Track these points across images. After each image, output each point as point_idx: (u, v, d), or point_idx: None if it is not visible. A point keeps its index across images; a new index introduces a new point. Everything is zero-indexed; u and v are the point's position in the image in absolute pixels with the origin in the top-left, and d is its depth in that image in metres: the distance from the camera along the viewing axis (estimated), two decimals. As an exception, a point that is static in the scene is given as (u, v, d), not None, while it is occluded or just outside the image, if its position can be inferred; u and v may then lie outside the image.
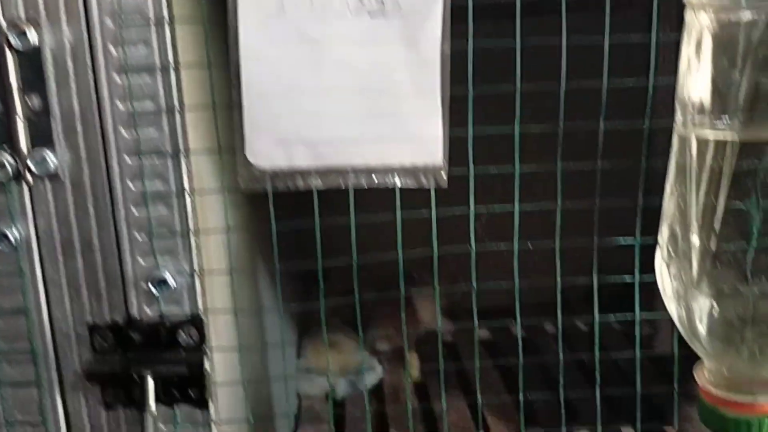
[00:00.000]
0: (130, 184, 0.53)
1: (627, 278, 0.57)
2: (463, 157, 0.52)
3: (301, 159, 0.50)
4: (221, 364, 0.58)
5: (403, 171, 0.51)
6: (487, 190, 0.54)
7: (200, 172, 0.54)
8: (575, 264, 0.55)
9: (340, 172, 0.51)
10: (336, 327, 1.57)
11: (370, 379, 1.51)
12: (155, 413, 0.55)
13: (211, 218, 0.56)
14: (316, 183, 0.51)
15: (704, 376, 0.51)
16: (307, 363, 1.47)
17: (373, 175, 0.51)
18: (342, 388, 1.47)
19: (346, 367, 1.48)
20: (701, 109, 0.46)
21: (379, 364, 1.53)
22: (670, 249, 0.49)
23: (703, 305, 0.48)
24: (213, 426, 0.57)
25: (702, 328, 0.48)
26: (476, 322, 0.60)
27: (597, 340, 0.59)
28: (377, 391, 1.51)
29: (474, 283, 0.56)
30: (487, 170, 0.52)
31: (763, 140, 0.44)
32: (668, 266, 0.49)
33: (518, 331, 0.71)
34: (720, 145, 0.45)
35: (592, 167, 0.53)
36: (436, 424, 1.33)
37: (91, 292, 0.55)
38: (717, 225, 0.46)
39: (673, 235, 0.49)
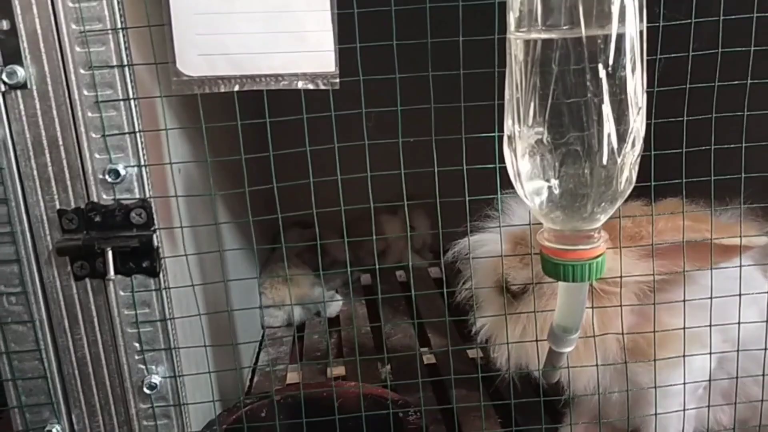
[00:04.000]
0: (86, 92, 0.65)
1: (491, 166, 0.70)
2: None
3: (222, 68, 0.63)
4: (170, 243, 0.71)
5: (304, 76, 0.64)
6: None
7: (144, 80, 0.66)
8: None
9: (254, 78, 0.64)
10: (292, 262, 1.70)
11: (330, 308, 1.65)
12: (114, 278, 0.68)
13: (158, 120, 0.68)
14: (235, 87, 0.64)
15: (543, 236, 0.65)
16: (267, 297, 1.61)
17: (281, 81, 0.64)
18: (300, 315, 1.61)
19: (303, 297, 1.61)
20: (529, 16, 0.59)
21: (337, 294, 1.68)
22: (511, 137, 0.62)
23: (537, 185, 0.62)
24: (163, 292, 0.70)
25: (538, 201, 0.62)
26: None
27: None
28: (336, 317, 1.65)
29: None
30: (373, 78, 0.65)
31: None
32: (512, 152, 0.62)
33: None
34: (546, 44, 0.58)
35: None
36: (385, 343, 1.48)
37: (58, 183, 0.68)
38: (542, 117, 0.59)
39: (512, 126, 0.62)
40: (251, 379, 1.36)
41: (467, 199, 0.71)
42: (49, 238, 0.69)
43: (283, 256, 1.71)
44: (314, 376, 1.36)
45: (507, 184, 0.66)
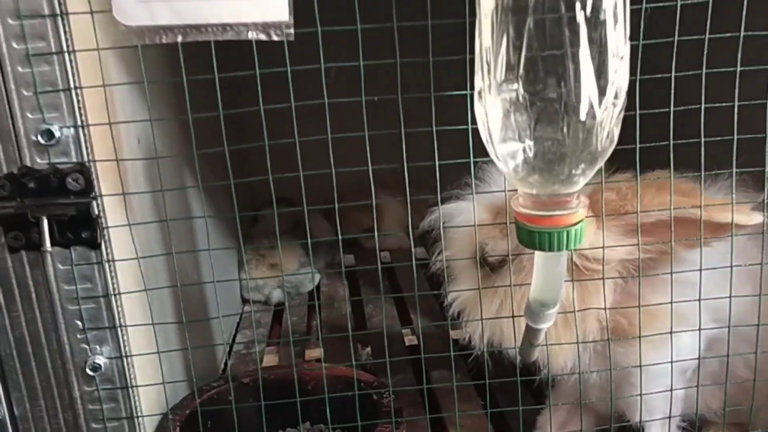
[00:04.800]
0: (15, 45, 0.59)
1: (464, 127, 0.65)
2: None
3: (163, 17, 0.57)
4: (114, 211, 0.65)
5: (255, 26, 0.58)
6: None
7: (81, 31, 0.60)
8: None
9: (199, 28, 0.58)
10: (275, 243, 1.65)
11: (310, 285, 1.61)
12: (50, 250, 0.62)
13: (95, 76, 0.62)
14: (178, 38, 0.58)
15: (519, 202, 0.59)
16: (250, 276, 1.56)
17: (229, 30, 0.58)
18: (279, 296, 1.56)
19: (285, 280, 1.57)
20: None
21: (318, 273, 1.63)
22: (482, 94, 0.57)
23: (511, 146, 0.56)
24: (106, 265, 0.65)
25: (513, 163, 0.57)
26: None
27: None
28: (315, 293, 1.61)
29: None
30: (332, 29, 0.60)
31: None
32: (483, 111, 0.57)
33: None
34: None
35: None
36: (365, 324, 1.43)
37: (-13, 146, 0.62)
38: (516, 71, 0.54)
39: (483, 82, 0.56)
40: (226, 362, 1.31)
41: (437, 163, 0.65)
42: (-21, 206, 0.63)
43: (265, 233, 1.66)
44: (293, 359, 1.31)
45: (483, 149, 0.61)
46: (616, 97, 0.54)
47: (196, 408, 0.88)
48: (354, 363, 0.83)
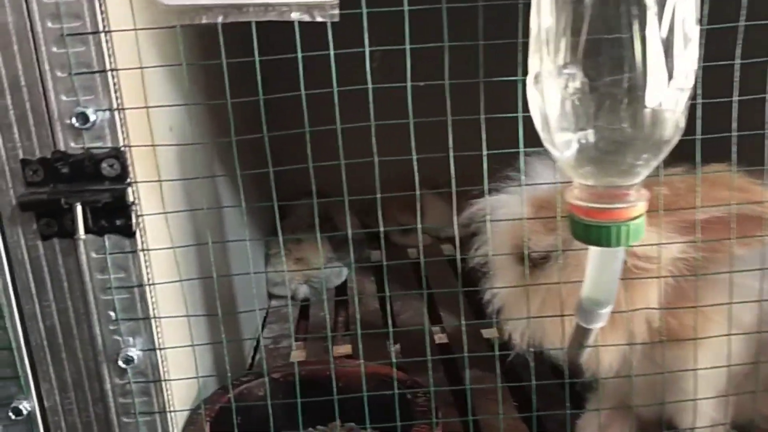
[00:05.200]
0: (50, 24, 0.57)
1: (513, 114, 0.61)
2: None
3: (204, -4, 0.55)
4: (155, 203, 0.63)
5: (298, 6, 0.55)
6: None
7: (117, 11, 0.58)
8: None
9: (240, 8, 0.55)
10: (303, 239, 1.63)
11: (336, 280, 1.59)
12: (84, 238, 0.60)
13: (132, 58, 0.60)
14: (219, 18, 0.55)
15: (573, 194, 0.56)
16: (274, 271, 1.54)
17: (271, 11, 0.55)
18: (306, 291, 1.54)
19: (311, 276, 1.55)
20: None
21: (345, 268, 1.61)
22: (538, 78, 0.53)
23: (568, 134, 0.53)
24: (141, 254, 0.62)
25: (569, 152, 0.53)
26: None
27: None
28: (342, 290, 1.59)
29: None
30: (379, 10, 0.57)
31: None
32: (539, 96, 0.53)
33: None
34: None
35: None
36: (394, 320, 1.41)
37: (21, 130, 0.60)
38: (576, 54, 0.50)
39: (540, 65, 0.53)
40: (253, 357, 1.29)
41: (485, 153, 0.62)
42: (12, 192, 0.61)
43: (293, 228, 1.64)
44: (320, 354, 1.29)
45: (531, 140, 0.58)
46: (684, 81, 0.50)
47: (226, 403, 0.86)
48: (392, 361, 0.79)
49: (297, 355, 1.29)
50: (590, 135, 0.52)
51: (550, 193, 0.73)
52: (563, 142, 0.53)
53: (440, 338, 1.36)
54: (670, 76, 0.49)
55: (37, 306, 0.64)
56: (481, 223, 0.80)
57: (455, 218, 0.68)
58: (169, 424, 0.66)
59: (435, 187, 1.69)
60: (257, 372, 1.06)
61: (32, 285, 0.63)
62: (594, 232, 0.55)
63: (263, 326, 1.44)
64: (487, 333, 1.33)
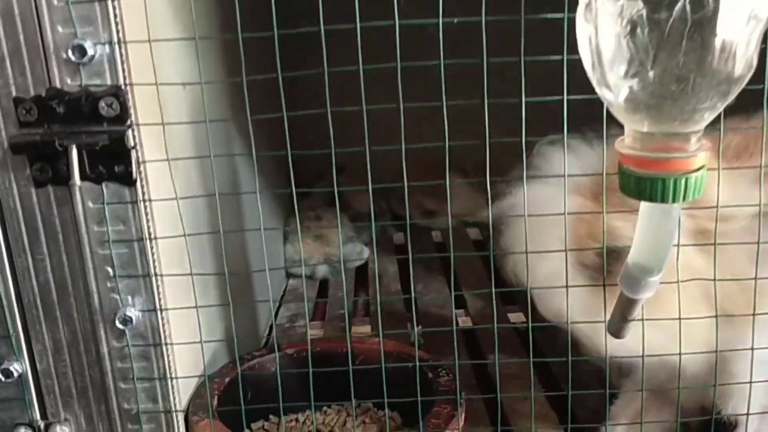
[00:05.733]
0: (44, -55, 0.52)
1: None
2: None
3: None
4: (152, 145, 0.57)
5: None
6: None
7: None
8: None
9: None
10: (323, 216, 1.58)
11: (357, 261, 1.53)
12: (80, 185, 0.55)
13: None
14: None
15: (624, 143, 0.50)
16: (293, 250, 1.49)
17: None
18: (325, 271, 1.49)
19: (330, 255, 1.49)
20: None
21: (366, 248, 1.55)
22: (590, 6, 0.47)
23: (623, 71, 0.46)
24: (142, 205, 0.57)
25: (624, 94, 0.47)
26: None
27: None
28: (363, 272, 1.53)
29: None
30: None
31: None
32: (591, 28, 0.47)
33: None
34: None
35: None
36: (416, 304, 1.35)
37: (14, 64, 0.55)
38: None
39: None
40: (268, 336, 1.24)
41: (524, 139, 0.55)
42: (3, 133, 0.56)
43: (312, 207, 1.60)
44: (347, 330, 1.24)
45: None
46: (761, 8, 0.44)
47: (236, 376, 0.81)
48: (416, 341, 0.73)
49: (315, 334, 1.24)
50: (649, 73, 0.45)
51: (596, 179, 0.64)
52: (617, 81, 0.46)
53: (464, 321, 1.30)
54: (742, 6, 0.43)
55: (29, 259, 0.59)
56: (513, 220, 0.71)
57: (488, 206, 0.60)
58: (170, 392, 0.60)
59: (460, 170, 1.65)
60: (271, 347, 1.00)
61: (25, 237, 0.58)
62: (647, 185, 0.48)
63: (280, 305, 1.39)
64: (513, 317, 1.27)
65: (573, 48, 0.48)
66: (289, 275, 1.51)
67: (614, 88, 0.47)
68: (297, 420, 0.88)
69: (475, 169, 1.60)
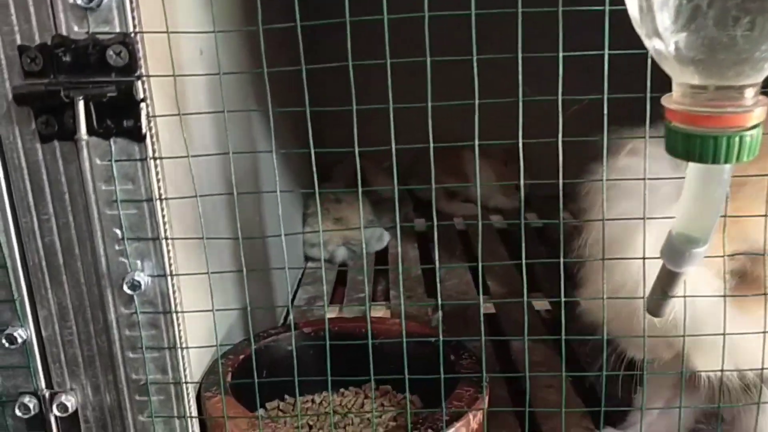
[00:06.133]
0: None
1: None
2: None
3: None
4: (162, 95, 0.54)
5: None
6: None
7: None
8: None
9: None
10: (343, 199, 1.55)
11: (377, 245, 1.50)
12: (86, 139, 0.52)
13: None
14: None
15: (672, 98, 0.45)
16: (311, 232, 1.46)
17: None
18: (344, 255, 1.46)
19: (350, 239, 1.46)
20: None
21: (387, 233, 1.52)
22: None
23: (673, 15, 0.42)
24: (152, 163, 0.54)
25: (674, 40, 0.43)
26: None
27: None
28: (383, 257, 1.50)
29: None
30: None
31: None
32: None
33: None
34: None
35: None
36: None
37: (18, 10, 0.52)
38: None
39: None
40: (285, 318, 1.22)
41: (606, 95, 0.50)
42: (7, 84, 0.53)
43: (333, 189, 1.57)
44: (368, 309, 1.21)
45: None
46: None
47: (250, 354, 0.78)
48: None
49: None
50: (705, 14, 0.41)
51: None
52: (668, 27, 0.42)
53: (487, 308, 1.26)
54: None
55: (35, 220, 0.56)
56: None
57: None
58: (180, 361, 0.57)
59: (482, 151, 1.58)
60: (288, 325, 0.97)
61: (30, 195, 0.55)
62: (696, 143, 0.44)
63: (297, 288, 1.36)
64: (538, 305, 1.23)
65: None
66: (307, 258, 1.48)
67: (664, 36, 0.43)
68: (313, 401, 0.85)
69: (503, 155, 1.55)
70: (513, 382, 0.98)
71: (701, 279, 0.62)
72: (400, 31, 0.53)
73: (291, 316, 1.16)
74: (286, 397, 0.84)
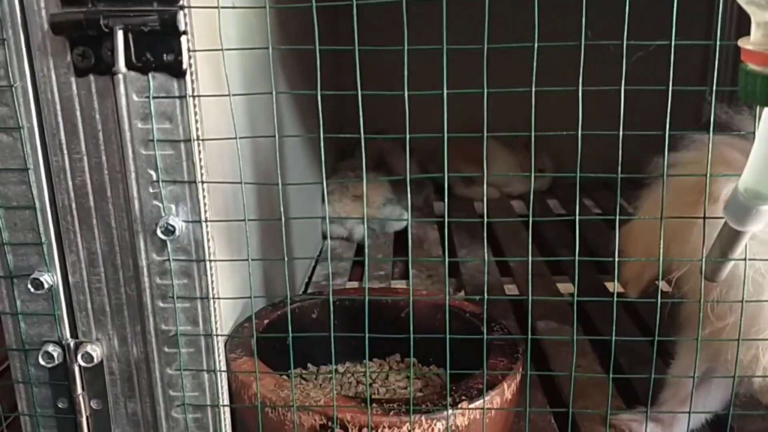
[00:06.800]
0: None
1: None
2: None
3: None
4: (202, 35, 0.52)
5: None
6: None
7: None
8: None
9: None
10: (363, 177, 1.53)
11: (397, 225, 1.48)
12: (125, 71, 0.49)
13: None
14: None
15: (749, 40, 0.43)
16: (331, 210, 1.44)
17: None
18: (362, 233, 1.43)
19: (370, 216, 1.44)
20: None
21: (406, 212, 1.49)
22: None
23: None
24: (191, 101, 0.51)
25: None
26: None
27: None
28: (402, 238, 1.47)
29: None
30: None
31: None
32: None
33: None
34: None
35: None
36: (458, 270, 1.29)
37: (58, -70, 0.49)
38: None
39: None
40: (305, 290, 1.20)
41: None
42: (44, 12, 0.50)
43: (352, 167, 1.55)
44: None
45: None
46: None
47: (275, 318, 0.76)
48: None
49: (351, 292, 1.19)
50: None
51: None
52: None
53: (510, 290, 1.24)
54: None
55: (66, 158, 0.53)
56: None
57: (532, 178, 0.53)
58: (211, 313, 0.55)
59: (501, 142, 1.57)
60: (313, 293, 0.94)
61: (62, 132, 0.53)
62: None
63: (316, 264, 1.34)
64: (562, 287, 1.21)
65: None
66: (325, 236, 1.46)
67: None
68: (336, 371, 0.83)
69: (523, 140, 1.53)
70: (538, 362, 0.96)
71: None
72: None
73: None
74: (309, 365, 0.81)
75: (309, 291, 1.20)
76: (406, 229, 1.48)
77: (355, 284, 1.26)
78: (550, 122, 0.51)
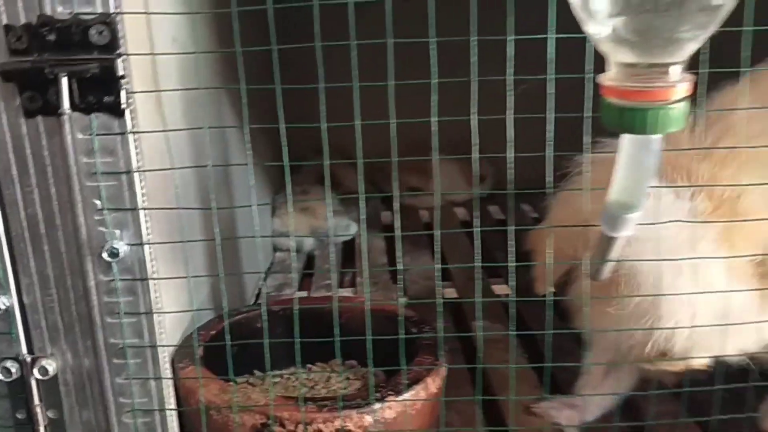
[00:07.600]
0: None
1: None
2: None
3: None
4: (140, 76, 0.58)
5: None
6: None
7: None
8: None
9: None
10: (310, 191, 1.59)
11: (343, 236, 1.54)
12: (69, 113, 0.55)
13: None
14: None
15: (606, 77, 0.51)
16: (280, 223, 1.50)
17: None
18: (311, 245, 1.49)
19: (317, 228, 1.50)
20: None
21: (354, 223, 1.56)
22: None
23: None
24: (130, 137, 0.57)
25: (610, 24, 0.48)
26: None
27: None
28: (349, 248, 1.54)
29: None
30: None
31: None
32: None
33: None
34: None
35: None
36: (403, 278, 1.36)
37: (5, -8, 0.55)
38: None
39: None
40: (255, 301, 1.25)
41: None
42: (-7, 62, 0.56)
43: (300, 182, 1.61)
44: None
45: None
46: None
47: (221, 329, 0.82)
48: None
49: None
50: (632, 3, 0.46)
51: None
52: (603, 9, 0.47)
53: (449, 293, 1.31)
54: None
55: (18, 191, 0.59)
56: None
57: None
58: (156, 327, 0.61)
59: (444, 150, 1.64)
60: (257, 304, 1.00)
61: (14, 168, 0.59)
62: (628, 116, 0.50)
63: (266, 276, 1.39)
64: (498, 289, 1.29)
65: None
66: (276, 249, 1.51)
67: (599, 17, 0.48)
68: (282, 376, 0.89)
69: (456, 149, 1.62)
70: (472, 360, 1.03)
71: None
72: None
73: (264, 296, 1.19)
74: (256, 372, 0.87)
75: (258, 302, 1.26)
76: (353, 239, 1.55)
77: (304, 293, 1.32)
78: (489, 129, 0.57)
